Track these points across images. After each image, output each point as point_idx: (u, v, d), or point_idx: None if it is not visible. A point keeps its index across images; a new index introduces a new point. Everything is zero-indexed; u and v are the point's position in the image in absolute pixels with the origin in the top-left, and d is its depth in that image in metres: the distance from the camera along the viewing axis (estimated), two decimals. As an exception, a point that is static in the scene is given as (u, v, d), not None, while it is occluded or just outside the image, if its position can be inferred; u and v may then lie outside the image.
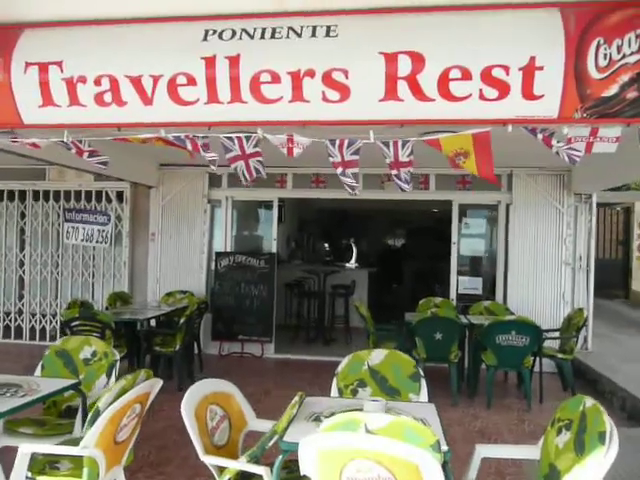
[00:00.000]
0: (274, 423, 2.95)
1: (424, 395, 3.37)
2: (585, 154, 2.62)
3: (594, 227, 7.23)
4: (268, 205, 8.71)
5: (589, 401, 2.46)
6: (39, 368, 3.75)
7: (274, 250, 8.00)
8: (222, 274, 7.84)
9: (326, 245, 13.35)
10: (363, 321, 6.35)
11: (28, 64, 2.74)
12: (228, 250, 8.01)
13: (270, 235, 8.32)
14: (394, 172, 3.07)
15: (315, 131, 2.77)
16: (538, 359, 5.83)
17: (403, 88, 2.50)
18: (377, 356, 3.51)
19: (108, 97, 2.72)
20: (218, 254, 7.92)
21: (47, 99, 2.77)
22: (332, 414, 2.76)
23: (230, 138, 2.83)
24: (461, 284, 7.60)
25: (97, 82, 2.69)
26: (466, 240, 7.70)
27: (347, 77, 2.52)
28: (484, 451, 2.73)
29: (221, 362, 7.50)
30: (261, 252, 7.93)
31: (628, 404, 5.42)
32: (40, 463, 2.76)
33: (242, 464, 2.43)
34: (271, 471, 2.39)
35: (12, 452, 2.74)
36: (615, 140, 2.55)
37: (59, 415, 3.64)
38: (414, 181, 7.75)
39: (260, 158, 2.96)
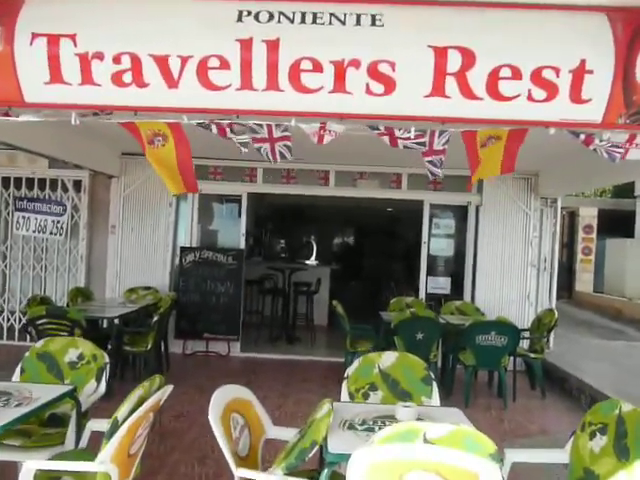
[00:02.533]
0: (296, 431, 2.81)
1: (436, 398, 3.32)
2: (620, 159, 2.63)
3: (558, 230, 7.48)
4: (233, 199, 8.45)
5: (626, 405, 2.48)
6: (18, 372, 3.41)
7: (242, 246, 7.77)
8: (187, 270, 7.53)
9: (282, 242, 13.18)
10: (341, 320, 6.25)
11: (35, 35, 2.43)
12: (193, 245, 7.70)
13: (236, 231, 8.07)
14: (427, 158, 2.98)
15: (351, 124, 2.64)
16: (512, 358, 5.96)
17: (451, 84, 2.42)
18: (388, 359, 3.43)
19: (128, 77, 2.46)
20: (183, 249, 7.59)
21: (55, 75, 2.47)
22: (364, 421, 2.66)
23: (259, 125, 2.65)
24: (430, 283, 7.67)
25: (116, 60, 2.43)
26: (435, 240, 7.76)
27: (394, 70, 2.40)
28: (513, 456, 2.70)
29: (186, 361, 7.20)
30: (228, 248, 7.68)
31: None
32: (41, 478, 2.48)
33: (280, 477, 2.28)
34: (314, 484, 2.25)
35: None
36: (650, 147, 2.59)
37: (41, 424, 3.32)
38: (386, 180, 7.79)
39: (288, 142, 2.79)
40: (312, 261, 10.86)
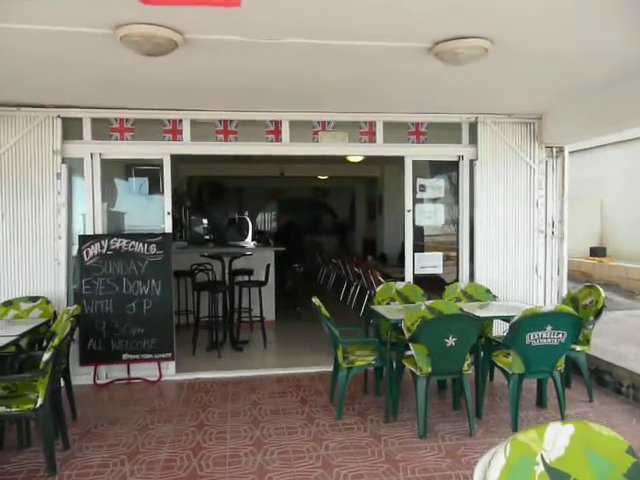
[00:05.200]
0: None
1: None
2: None
3: (567, 186, 6.10)
4: (144, 170, 6.28)
5: None
6: None
7: (168, 229, 5.66)
8: (91, 267, 5.33)
9: (205, 221, 11.02)
10: (328, 324, 4.41)
11: None
12: (98, 232, 5.49)
13: (153, 210, 5.95)
14: None
15: None
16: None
17: None
18: (558, 439, 1.67)
19: None
20: (84, 239, 5.37)
21: None
22: None
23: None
24: (418, 262, 6.03)
25: None
26: (420, 207, 6.11)
27: None
28: None
29: (101, 397, 5.07)
30: (148, 233, 5.54)
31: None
32: None
33: None
34: None
35: None
36: None
37: None
38: (355, 131, 5.99)
39: None
40: (249, 243, 8.87)
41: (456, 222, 6.13)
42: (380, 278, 7.82)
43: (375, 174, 11.60)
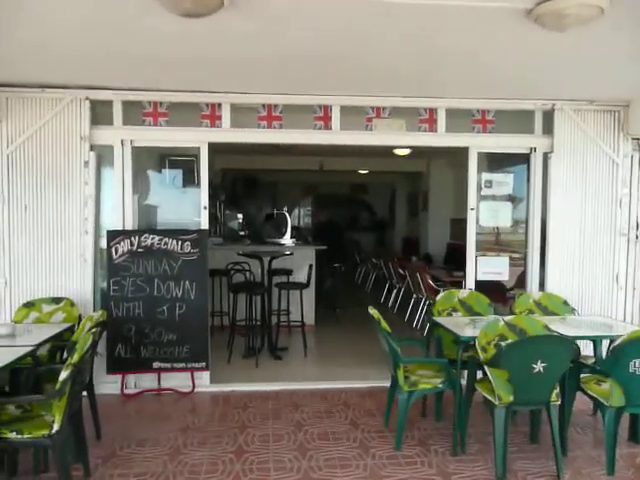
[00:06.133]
0: None
1: None
2: None
3: (656, 183, 5.33)
4: (178, 160, 5.79)
5: None
6: None
7: (204, 225, 5.13)
8: (120, 266, 4.84)
9: (239, 216, 10.53)
10: (387, 340, 3.80)
11: None
12: (128, 228, 4.99)
13: (188, 204, 5.44)
14: None
15: None
16: None
17: None
18: None
19: None
20: (113, 234, 4.88)
21: None
22: None
23: None
24: (481, 267, 5.36)
25: None
26: (484, 204, 5.42)
27: None
28: None
29: (128, 410, 4.58)
30: (183, 229, 5.02)
31: None
32: None
33: None
34: None
35: None
36: None
37: None
38: (413, 119, 5.34)
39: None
40: (287, 240, 8.31)
41: (525, 222, 5.44)
42: (430, 281, 7.19)
43: (420, 169, 10.91)
